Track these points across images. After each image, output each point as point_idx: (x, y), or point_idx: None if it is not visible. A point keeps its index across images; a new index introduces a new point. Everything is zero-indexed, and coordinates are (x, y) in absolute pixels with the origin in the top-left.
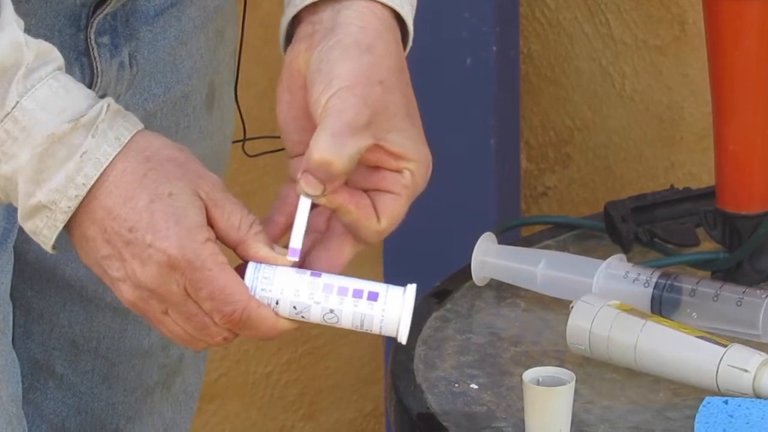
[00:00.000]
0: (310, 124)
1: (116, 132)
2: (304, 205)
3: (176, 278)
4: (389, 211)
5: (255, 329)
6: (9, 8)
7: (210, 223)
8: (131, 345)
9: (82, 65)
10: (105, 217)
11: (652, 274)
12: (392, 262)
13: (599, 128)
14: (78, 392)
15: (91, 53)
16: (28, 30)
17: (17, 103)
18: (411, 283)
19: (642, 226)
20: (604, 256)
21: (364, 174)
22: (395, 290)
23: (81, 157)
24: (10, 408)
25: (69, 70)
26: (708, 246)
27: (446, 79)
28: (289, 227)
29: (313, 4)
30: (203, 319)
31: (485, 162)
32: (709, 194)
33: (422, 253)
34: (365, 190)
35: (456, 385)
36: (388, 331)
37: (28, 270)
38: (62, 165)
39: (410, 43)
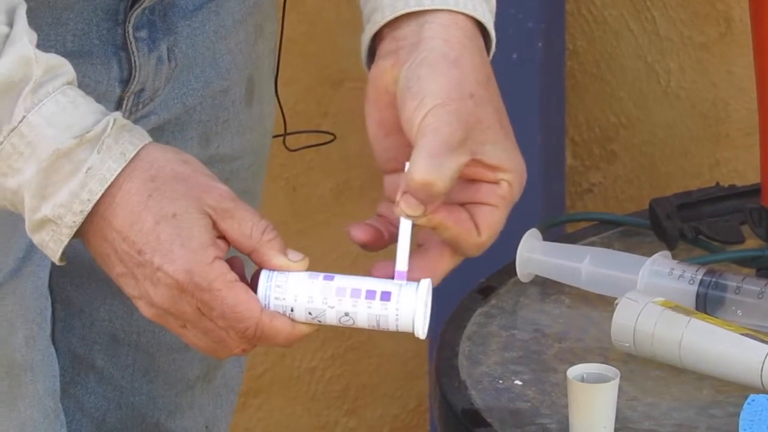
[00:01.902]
0: (402, 141)
1: (122, 147)
2: (405, 227)
3: (187, 299)
4: (488, 223)
5: (272, 340)
6: (22, 22)
7: (222, 235)
8: (171, 339)
9: (120, 60)
10: (116, 238)
11: (697, 271)
12: None
13: (644, 125)
14: (118, 386)
15: (129, 47)
16: (65, 24)
17: (24, 117)
18: (452, 281)
19: (687, 223)
20: (648, 253)
21: (461, 188)
22: (409, 288)
23: (86, 173)
24: (46, 402)
25: (107, 64)
26: (753, 243)
27: None
28: (388, 243)
29: (394, 20)
30: (220, 334)
31: (530, 158)
32: (754, 191)
33: None
34: (462, 204)
35: (500, 381)
36: (405, 329)
37: (68, 264)
38: (67, 180)
39: (493, 50)
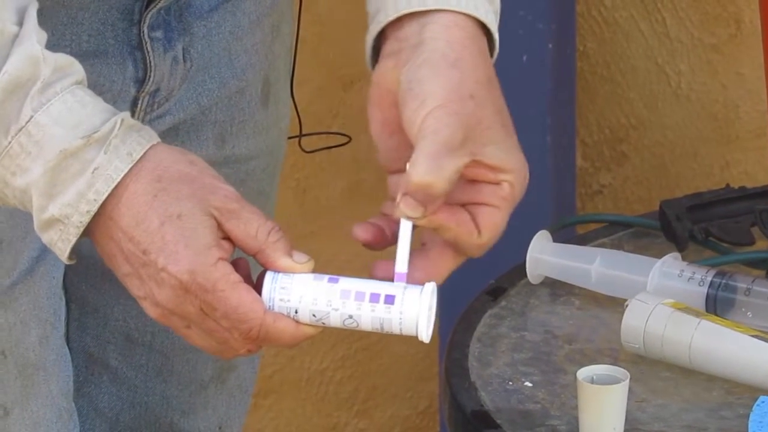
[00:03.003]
0: (405, 141)
1: (129, 147)
2: (406, 228)
3: (191, 300)
4: (490, 224)
5: (277, 341)
6: (31, 22)
7: (228, 236)
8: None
9: (135, 59)
10: (122, 238)
11: (707, 272)
12: None
13: (655, 126)
14: (132, 386)
15: (145, 47)
16: (80, 23)
17: (31, 117)
18: (461, 282)
19: (697, 225)
20: (658, 255)
21: (462, 188)
22: (412, 291)
23: (93, 173)
24: (60, 402)
25: (122, 64)
26: (763, 245)
27: (502, 76)
28: (392, 242)
29: (397, 20)
30: (223, 335)
31: (540, 160)
32: (764, 193)
33: None
34: (464, 204)
35: (510, 382)
36: (409, 333)
37: (83, 264)
38: (74, 180)
39: (497, 50)
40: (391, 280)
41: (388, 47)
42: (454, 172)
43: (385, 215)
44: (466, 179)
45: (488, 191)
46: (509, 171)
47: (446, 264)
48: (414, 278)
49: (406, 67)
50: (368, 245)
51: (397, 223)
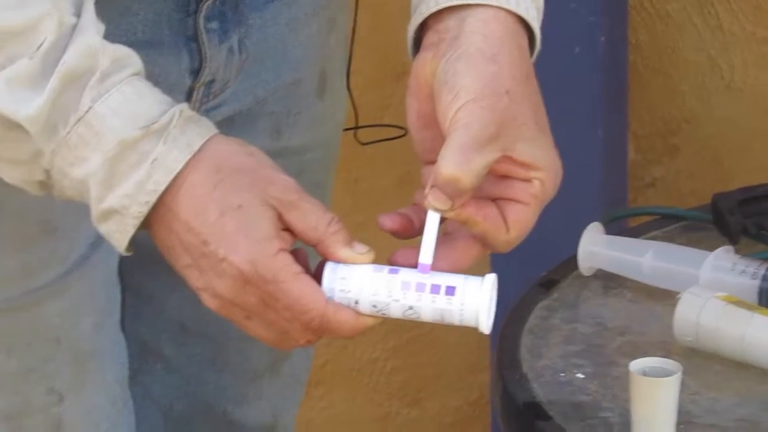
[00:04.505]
0: (439, 133)
1: (188, 138)
2: (433, 220)
3: (252, 290)
4: (518, 220)
5: (337, 331)
6: (89, 13)
7: (287, 227)
8: (240, 329)
9: (191, 50)
10: (181, 229)
11: (759, 266)
12: None
13: (707, 119)
14: (186, 375)
15: (200, 38)
16: (136, 14)
17: (90, 108)
18: (514, 273)
19: (750, 218)
20: (711, 248)
21: (492, 183)
22: (473, 283)
23: (151, 163)
24: (115, 389)
25: (177, 54)
26: None
27: (554, 69)
28: (420, 232)
29: (438, 12)
30: (284, 325)
31: (592, 152)
32: None
33: (529, 243)
34: (494, 199)
35: (562, 374)
36: (469, 324)
37: (138, 252)
38: (133, 171)
39: (538, 47)
40: (412, 267)
41: (428, 39)
42: (483, 167)
43: (416, 204)
44: (497, 174)
45: (519, 188)
46: (540, 168)
47: (471, 256)
48: (437, 268)
49: (444, 59)
50: (395, 234)
51: (426, 213)
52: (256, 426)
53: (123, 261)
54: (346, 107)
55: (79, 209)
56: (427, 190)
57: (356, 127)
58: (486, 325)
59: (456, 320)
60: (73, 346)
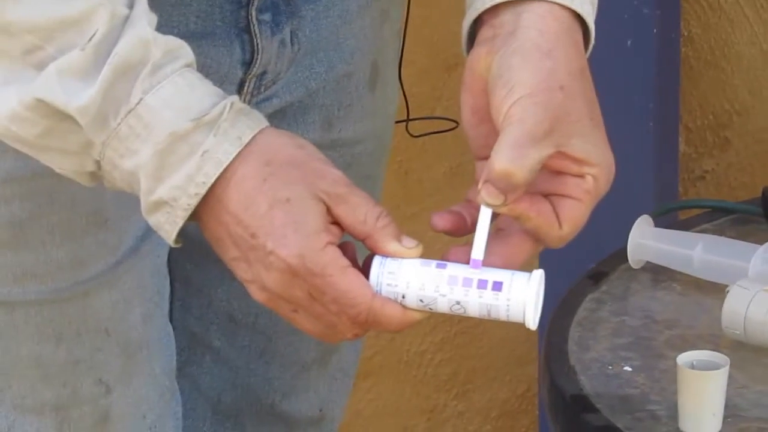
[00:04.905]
0: (493, 128)
1: (238, 131)
2: (485, 215)
3: (299, 284)
4: (571, 217)
5: (384, 325)
6: (142, 4)
7: (336, 221)
8: (288, 322)
9: (243, 42)
10: (230, 222)
11: None
12: None
13: (759, 113)
14: (234, 367)
15: (252, 30)
16: (189, 5)
17: (141, 99)
18: (562, 265)
19: None
20: (760, 241)
21: (546, 178)
22: (520, 278)
23: (202, 155)
24: (163, 381)
25: (229, 46)
26: None
27: (606, 61)
28: (472, 229)
29: (494, 7)
30: (331, 319)
31: (643, 145)
32: None
33: (579, 235)
34: (546, 195)
35: (610, 367)
36: (516, 320)
37: (188, 243)
38: (183, 163)
39: (592, 43)
40: (466, 264)
41: (483, 34)
42: (537, 163)
43: (468, 201)
44: (550, 170)
45: (572, 183)
46: (594, 164)
47: (525, 252)
48: (490, 264)
49: (498, 54)
50: (447, 233)
51: (479, 210)
52: (304, 418)
53: (172, 252)
54: (398, 99)
55: (130, 201)
56: (480, 185)
57: (407, 120)
58: (533, 320)
59: (503, 315)
60: (122, 338)
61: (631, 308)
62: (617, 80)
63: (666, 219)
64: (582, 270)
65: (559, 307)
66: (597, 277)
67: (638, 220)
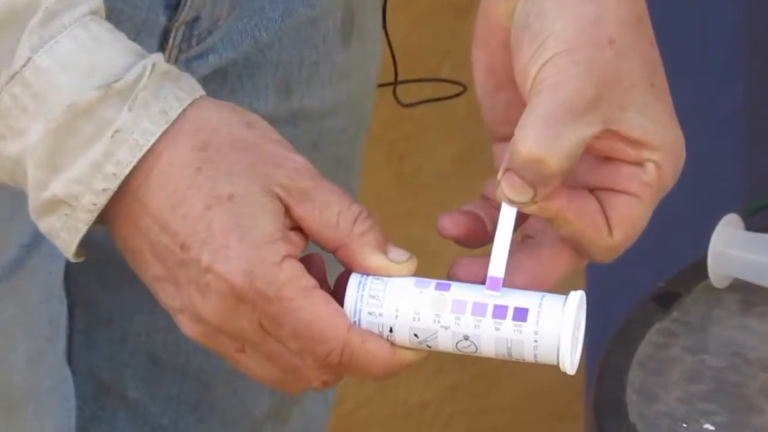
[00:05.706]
0: (517, 97)
1: (163, 103)
2: (507, 217)
3: (246, 312)
4: (625, 219)
5: (365, 369)
6: None
7: (298, 225)
8: (230, 365)
9: None
10: (152, 227)
11: None
12: None
13: None
14: (158, 425)
15: None
16: None
17: (29, 59)
18: (617, 283)
19: None
20: None
21: (590, 166)
22: (552, 303)
23: (112, 137)
24: None
25: None
26: None
27: (681, 12)
28: (492, 237)
29: None
30: (291, 360)
31: (730, 119)
32: None
33: (639, 243)
34: (592, 189)
35: (684, 425)
36: (547, 361)
37: (95, 255)
38: (87, 147)
39: None
40: (478, 283)
41: None
42: (577, 146)
43: (486, 198)
44: (596, 155)
45: (627, 174)
46: (656, 148)
47: (561, 267)
48: (513, 284)
49: None
50: (460, 242)
51: (499, 210)
52: None
53: (71, 269)
54: (381, 55)
55: (11, 198)
56: (499, 176)
57: (395, 83)
58: (569, 361)
59: (529, 355)
60: (2, 385)
61: (714, 343)
62: (693, 34)
63: (760, 220)
64: (644, 291)
65: (613, 341)
66: (666, 300)
67: (722, 221)
